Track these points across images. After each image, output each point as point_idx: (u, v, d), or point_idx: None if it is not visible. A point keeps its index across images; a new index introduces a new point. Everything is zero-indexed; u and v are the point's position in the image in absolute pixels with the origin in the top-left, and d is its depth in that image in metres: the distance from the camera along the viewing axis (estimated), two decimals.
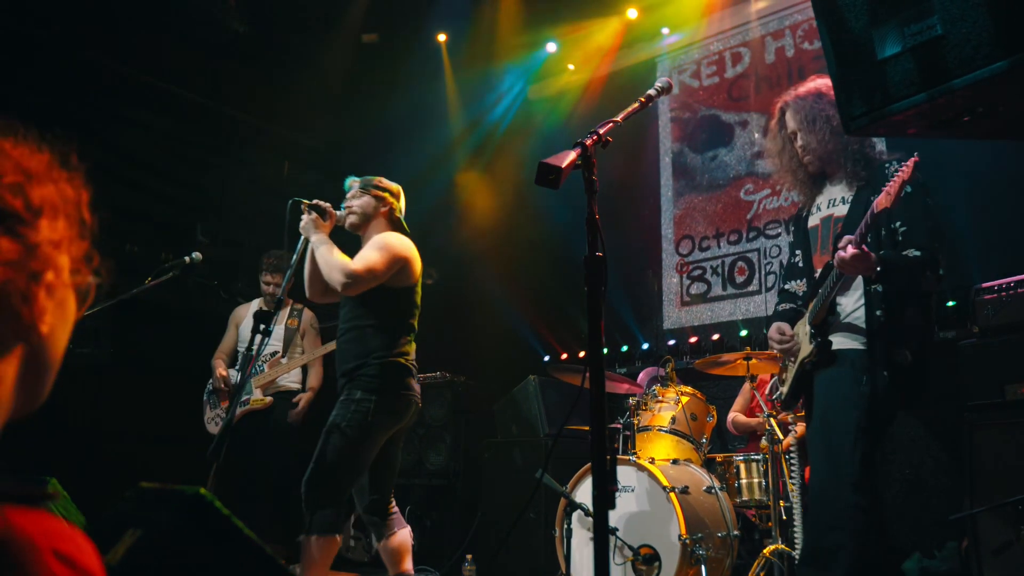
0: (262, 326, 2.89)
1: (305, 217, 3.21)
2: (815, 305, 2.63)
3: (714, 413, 4.16)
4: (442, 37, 6.54)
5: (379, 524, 3.19)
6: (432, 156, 6.63)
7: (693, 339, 5.52)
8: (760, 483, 3.86)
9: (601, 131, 1.80)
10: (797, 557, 3.22)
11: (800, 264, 2.88)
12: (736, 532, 3.64)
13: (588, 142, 1.73)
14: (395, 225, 3.37)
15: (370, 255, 3.13)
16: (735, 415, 4.62)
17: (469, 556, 4.57)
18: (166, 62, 5.67)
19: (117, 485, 1.07)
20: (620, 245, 5.83)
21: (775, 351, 2.86)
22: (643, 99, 2.07)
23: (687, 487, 3.59)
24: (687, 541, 3.35)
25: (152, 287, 3.74)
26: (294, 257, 3.19)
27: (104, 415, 4.82)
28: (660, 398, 4.07)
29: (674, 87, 6.03)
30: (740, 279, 5.50)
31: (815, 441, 2.60)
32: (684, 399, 4.03)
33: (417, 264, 3.29)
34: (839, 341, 2.59)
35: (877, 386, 2.44)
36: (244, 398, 4.50)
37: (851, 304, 2.62)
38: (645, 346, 5.70)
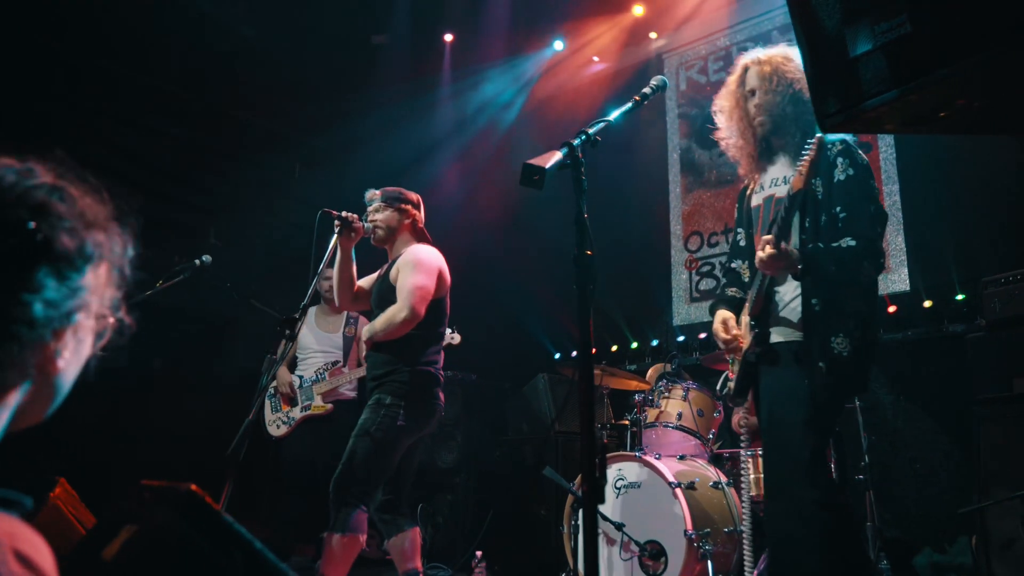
0: (287, 331, 2.92)
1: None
2: (752, 296, 2.53)
3: (721, 409, 4.16)
4: (449, 37, 6.58)
5: (389, 522, 3.26)
6: (442, 155, 6.67)
7: (702, 335, 5.52)
8: None
9: (590, 131, 1.82)
10: None
11: (743, 244, 2.77)
12: (743, 527, 3.64)
13: (575, 142, 1.75)
14: (419, 236, 3.45)
15: (412, 280, 3.20)
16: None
17: (480, 553, 4.60)
18: (177, 68, 5.75)
19: (132, 486, 1.12)
20: (629, 242, 5.84)
21: (719, 344, 2.70)
22: (637, 98, 2.08)
23: (694, 482, 3.59)
24: (693, 536, 3.36)
25: (164, 289, 3.80)
26: (321, 266, 3.21)
27: (120, 417, 4.90)
28: (667, 394, 4.08)
29: (681, 83, 6.11)
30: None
31: (765, 439, 2.49)
32: (691, 395, 4.03)
33: (447, 273, 3.37)
34: (779, 332, 2.48)
35: (815, 379, 2.34)
36: (306, 403, 4.58)
37: (789, 293, 2.50)
38: (654, 342, 5.71)
